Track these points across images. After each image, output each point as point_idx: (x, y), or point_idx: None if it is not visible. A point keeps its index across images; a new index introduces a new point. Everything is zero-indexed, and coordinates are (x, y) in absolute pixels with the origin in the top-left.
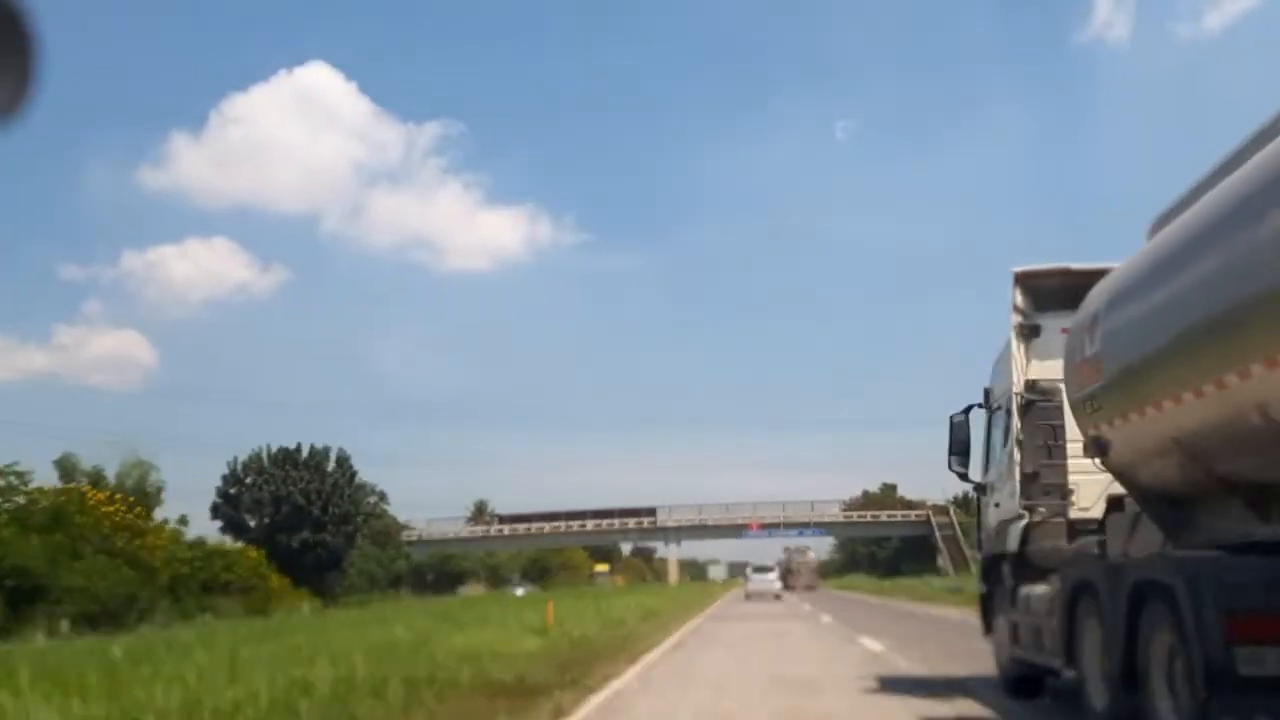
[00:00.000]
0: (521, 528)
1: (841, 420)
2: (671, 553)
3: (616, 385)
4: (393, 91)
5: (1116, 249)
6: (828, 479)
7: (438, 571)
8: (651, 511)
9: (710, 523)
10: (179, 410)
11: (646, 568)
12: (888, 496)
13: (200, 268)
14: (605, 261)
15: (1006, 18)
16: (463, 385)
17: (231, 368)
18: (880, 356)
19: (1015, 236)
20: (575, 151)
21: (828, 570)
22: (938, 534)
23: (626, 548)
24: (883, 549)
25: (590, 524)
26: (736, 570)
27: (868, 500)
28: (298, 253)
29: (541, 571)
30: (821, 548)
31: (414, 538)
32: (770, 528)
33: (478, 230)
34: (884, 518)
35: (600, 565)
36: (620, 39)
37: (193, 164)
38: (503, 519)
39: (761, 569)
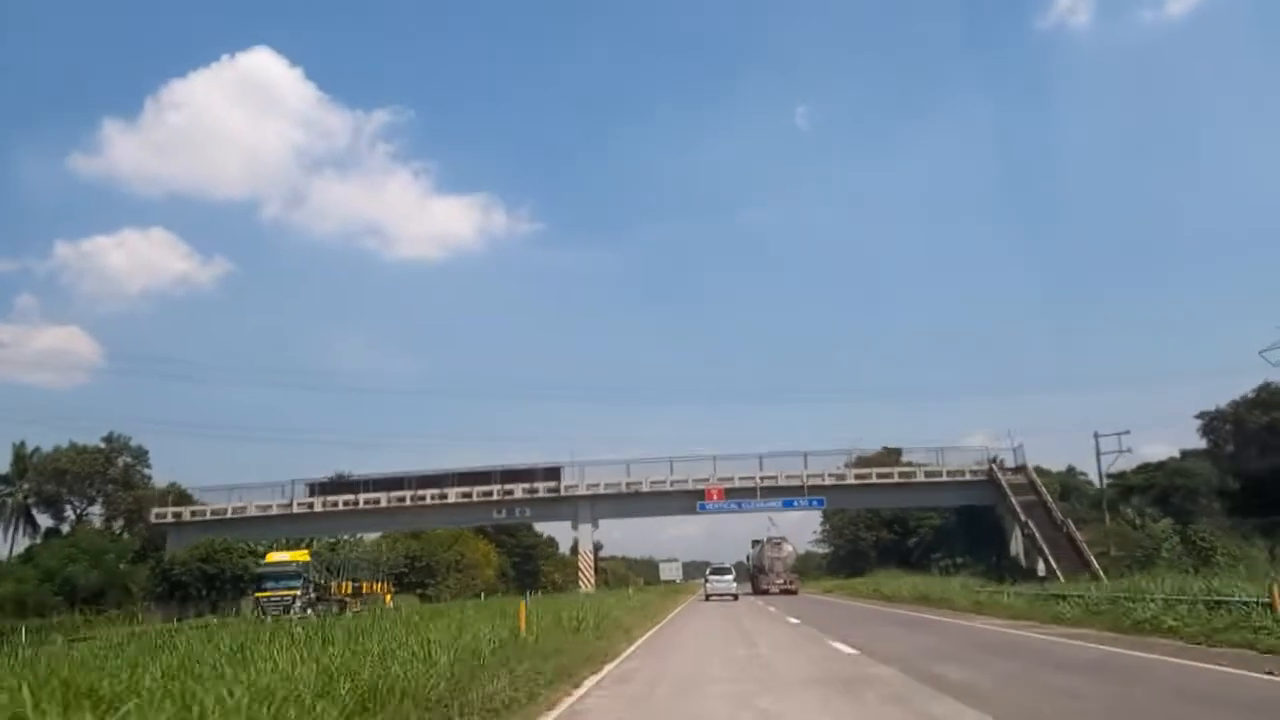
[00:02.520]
0: (344, 501)
1: (812, 386)
2: (586, 536)
3: (568, 375)
4: (340, 77)
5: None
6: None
7: (202, 574)
8: (554, 473)
9: (647, 489)
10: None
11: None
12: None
13: (138, 258)
14: (560, 249)
15: (967, 3)
16: (413, 372)
17: (176, 353)
18: (846, 331)
19: (971, 222)
20: (530, 138)
21: (808, 566)
22: (1014, 501)
23: (567, 540)
24: (919, 525)
25: (453, 493)
26: (694, 572)
27: (862, 464)
28: (238, 239)
29: (425, 573)
30: (798, 538)
31: (170, 518)
32: (740, 496)
33: (428, 217)
34: (920, 476)
35: (273, 555)
36: (572, 24)
37: (128, 151)
38: (314, 489)
39: (720, 570)
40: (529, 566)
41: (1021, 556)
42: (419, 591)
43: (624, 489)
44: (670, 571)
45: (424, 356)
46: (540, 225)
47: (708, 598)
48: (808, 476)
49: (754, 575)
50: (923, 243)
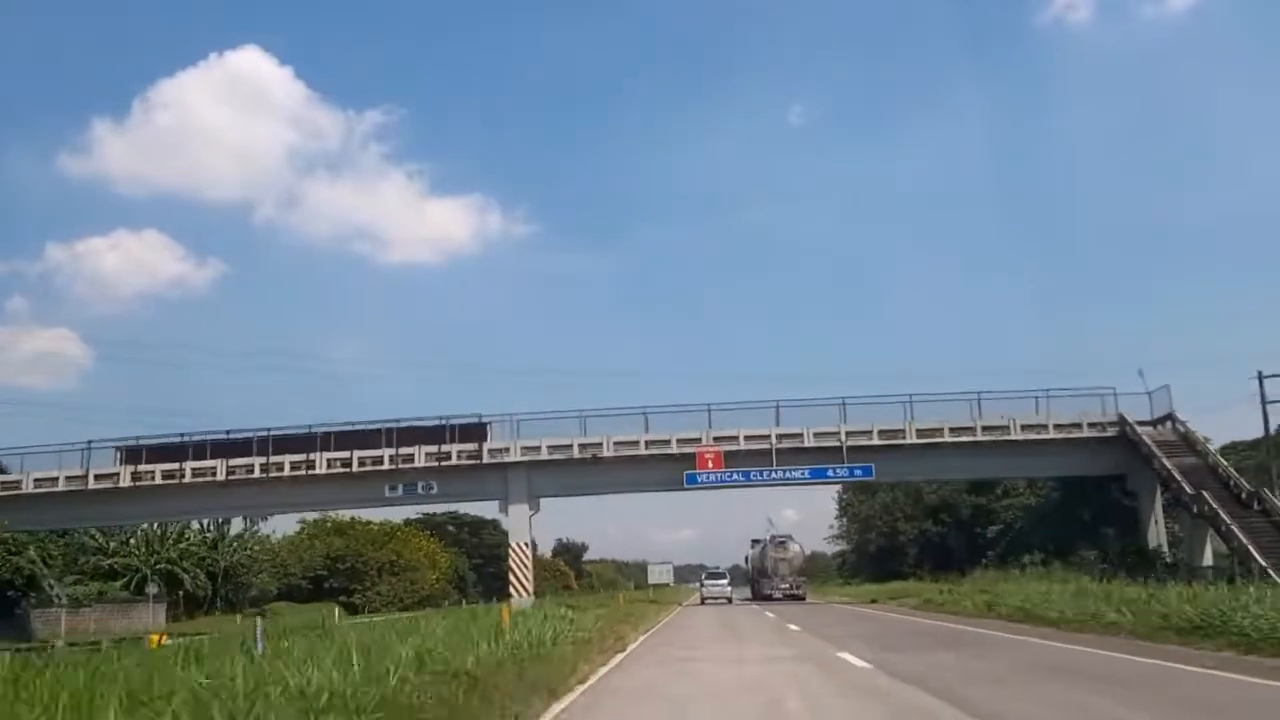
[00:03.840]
0: (163, 472)
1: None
2: (520, 520)
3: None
4: (331, 76)
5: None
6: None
7: None
8: (477, 432)
9: (610, 454)
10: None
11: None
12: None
13: (131, 260)
14: (557, 250)
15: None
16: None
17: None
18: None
19: (968, 222)
20: (525, 137)
21: (815, 569)
22: (1166, 463)
23: (544, 538)
24: (1007, 505)
25: (324, 461)
26: (689, 575)
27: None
28: (230, 243)
29: (350, 576)
30: (807, 536)
31: None
32: (747, 463)
33: (423, 219)
34: (1015, 432)
35: None
36: (569, 23)
37: (116, 152)
38: (126, 455)
39: (715, 575)
40: (493, 569)
41: (1165, 548)
42: (341, 599)
43: (576, 453)
44: (660, 575)
45: (422, 356)
46: (536, 226)
47: (703, 601)
48: (847, 435)
49: (754, 579)
50: (922, 240)
